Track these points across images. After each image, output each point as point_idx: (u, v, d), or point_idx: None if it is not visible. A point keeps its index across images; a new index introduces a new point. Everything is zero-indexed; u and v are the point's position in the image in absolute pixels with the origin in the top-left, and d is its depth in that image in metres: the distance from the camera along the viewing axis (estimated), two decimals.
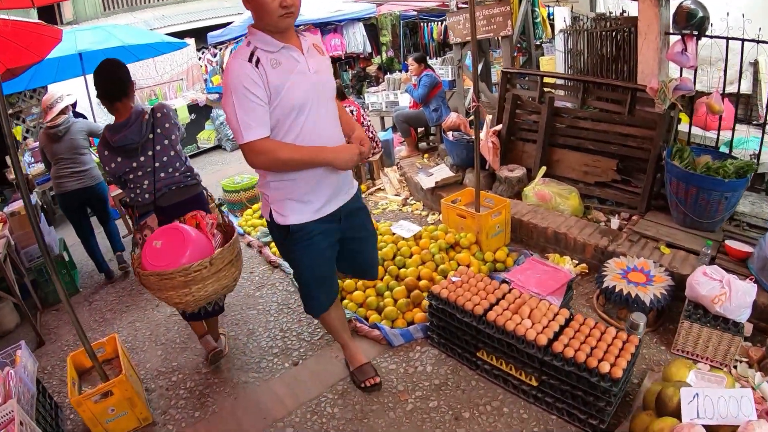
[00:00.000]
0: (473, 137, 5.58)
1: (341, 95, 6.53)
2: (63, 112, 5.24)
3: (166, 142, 3.25)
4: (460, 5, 6.73)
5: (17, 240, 5.57)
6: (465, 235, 4.57)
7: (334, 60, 12.05)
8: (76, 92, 8.36)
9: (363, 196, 6.32)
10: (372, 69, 13.35)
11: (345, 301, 4.24)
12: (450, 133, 5.84)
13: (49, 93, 5.28)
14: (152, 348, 4.32)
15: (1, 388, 3.12)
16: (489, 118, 5.78)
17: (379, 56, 14.02)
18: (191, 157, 10.72)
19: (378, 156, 6.68)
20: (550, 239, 4.52)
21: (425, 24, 15.32)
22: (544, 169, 5.11)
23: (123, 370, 3.30)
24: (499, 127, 5.65)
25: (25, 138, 10.21)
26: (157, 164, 3.23)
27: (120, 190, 5.31)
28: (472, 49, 4.53)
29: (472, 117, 6.98)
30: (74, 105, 8.63)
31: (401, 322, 3.91)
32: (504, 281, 3.66)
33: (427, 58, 11.77)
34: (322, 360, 3.75)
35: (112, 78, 3.12)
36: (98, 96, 3.15)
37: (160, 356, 4.18)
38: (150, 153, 3.20)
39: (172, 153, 3.29)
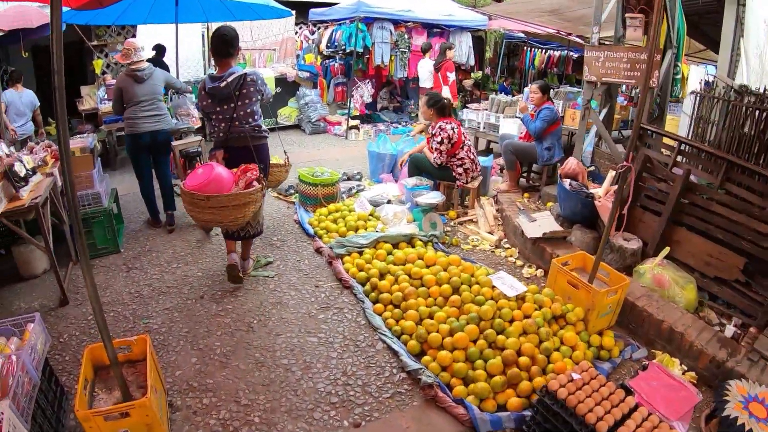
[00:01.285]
0: (592, 192, 4.85)
1: (443, 109, 5.79)
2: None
3: (246, 101, 4.02)
4: (602, 40, 5.89)
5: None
6: (573, 309, 3.77)
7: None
8: (165, 40, 8.03)
9: (451, 224, 5.55)
10: (468, 83, 12.53)
11: (426, 358, 3.44)
12: (568, 181, 4.99)
13: (134, 40, 5.42)
14: (186, 351, 3.61)
15: None
16: (611, 174, 4.94)
17: (480, 71, 13.22)
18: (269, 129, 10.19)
19: (477, 183, 5.87)
20: (662, 335, 3.72)
21: (529, 48, 14.54)
22: (667, 250, 4.27)
23: (148, 390, 2.61)
24: None
25: (104, 72, 9.98)
26: (234, 114, 4.00)
27: (180, 141, 5.93)
28: (641, 96, 3.71)
29: (592, 167, 6.17)
30: (162, 53, 8.29)
31: (491, 404, 3.14)
32: (626, 389, 3.04)
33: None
34: (390, 428, 2.96)
35: (224, 40, 3.93)
36: (210, 50, 3.97)
37: (195, 365, 3.45)
38: (232, 105, 3.98)
39: (249, 110, 4.06)
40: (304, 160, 8.11)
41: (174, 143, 5.84)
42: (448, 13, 10.89)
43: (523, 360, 3.30)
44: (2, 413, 2.24)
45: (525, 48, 14.62)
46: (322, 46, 11.14)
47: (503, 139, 6.61)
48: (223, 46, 3.92)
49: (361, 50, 10.20)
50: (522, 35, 13.39)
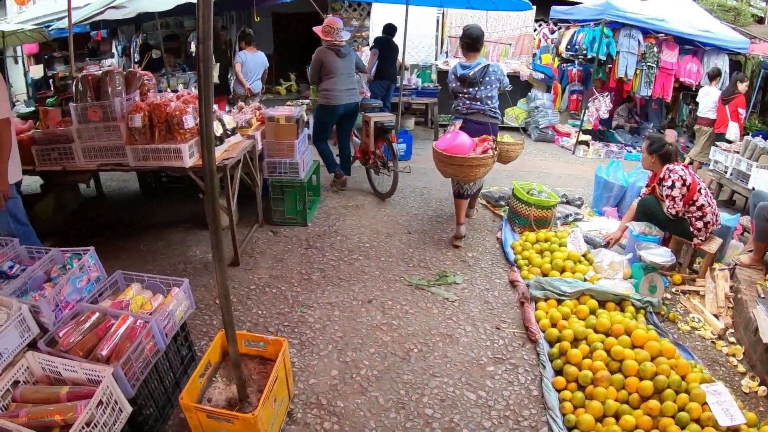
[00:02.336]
0: None
1: (668, 157, 4.51)
2: None
3: (487, 87, 4.81)
4: None
5: (266, 146, 4.98)
6: None
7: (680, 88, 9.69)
8: (398, 20, 7.85)
9: (673, 290, 4.37)
10: None
11: None
12: None
13: (337, 20, 5.70)
14: (331, 359, 3.18)
15: (116, 337, 2.37)
16: None
17: None
18: None
19: (716, 246, 4.53)
20: None
21: None
22: None
23: (260, 404, 2.21)
24: None
25: None
26: (477, 96, 4.81)
27: (374, 114, 6.04)
28: None
29: None
30: (393, 33, 8.10)
31: None
32: None
33: None
34: None
35: (472, 38, 4.83)
36: (461, 44, 5.01)
37: (333, 379, 3.01)
38: (476, 89, 4.78)
39: (488, 94, 4.83)
40: (524, 169, 7.33)
41: (370, 115, 5.93)
42: (705, 29, 9.08)
43: None
44: (101, 377, 2.12)
45: None
46: (562, 48, 10.07)
47: (758, 197, 4.95)
48: (472, 42, 4.85)
49: (604, 58, 8.99)
50: None
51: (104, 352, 2.28)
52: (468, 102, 4.87)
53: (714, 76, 8.45)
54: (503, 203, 5.78)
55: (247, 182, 4.86)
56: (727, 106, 7.77)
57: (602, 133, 10.05)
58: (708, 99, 8.31)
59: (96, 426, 2.00)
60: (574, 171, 7.64)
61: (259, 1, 7.79)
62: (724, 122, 7.82)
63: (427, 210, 5.74)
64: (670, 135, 9.42)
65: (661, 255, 4.13)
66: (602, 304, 3.76)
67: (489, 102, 4.86)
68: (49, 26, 9.18)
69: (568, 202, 5.89)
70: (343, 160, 6.34)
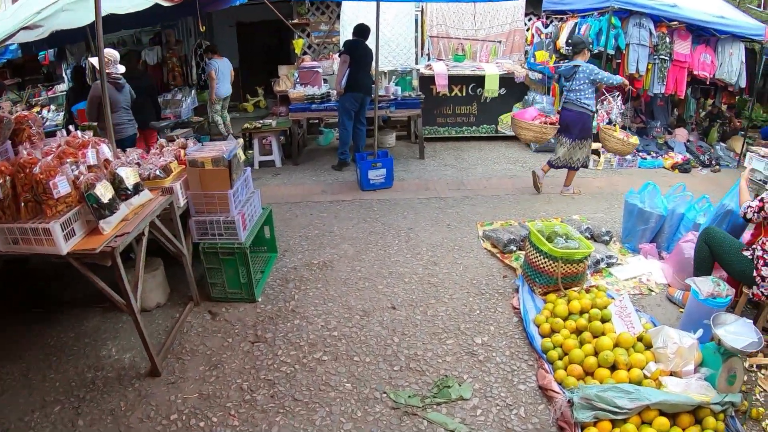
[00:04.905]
0: None
1: None
2: None
3: (576, 82, 5.76)
4: None
5: (192, 200, 3.66)
6: None
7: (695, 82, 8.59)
8: (372, 21, 6.78)
9: (746, 363, 3.09)
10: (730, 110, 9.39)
11: None
12: None
13: (116, 52, 5.59)
14: None
15: None
16: None
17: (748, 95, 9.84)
18: (487, 138, 9.03)
19: None
20: None
21: None
22: None
23: None
24: None
25: (304, 53, 9.14)
26: (570, 88, 5.88)
27: None
28: None
29: None
30: (365, 35, 7.01)
31: None
32: None
33: None
34: None
35: (572, 43, 6.07)
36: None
37: None
38: (570, 83, 5.88)
39: (578, 88, 5.75)
40: (528, 191, 6.12)
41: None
42: (720, 15, 7.92)
43: None
44: None
45: None
46: (561, 43, 8.80)
47: None
48: (572, 47, 5.93)
49: (613, 52, 7.73)
50: None
51: None
52: (565, 93, 5.94)
53: None
54: (515, 248, 4.43)
55: (170, 250, 3.54)
56: None
57: None
58: None
59: None
60: (588, 189, 6.35)
61: (204, 6, 6.52)
62: None
63: (416, 265, 4.29)
64: (681, 134, 8.36)
65: (745, 336, 2.82)
66: (675, 420, 2.52)
67: (579, 95, 5.74)
68: None
69: (593, 238, 4.59)
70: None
